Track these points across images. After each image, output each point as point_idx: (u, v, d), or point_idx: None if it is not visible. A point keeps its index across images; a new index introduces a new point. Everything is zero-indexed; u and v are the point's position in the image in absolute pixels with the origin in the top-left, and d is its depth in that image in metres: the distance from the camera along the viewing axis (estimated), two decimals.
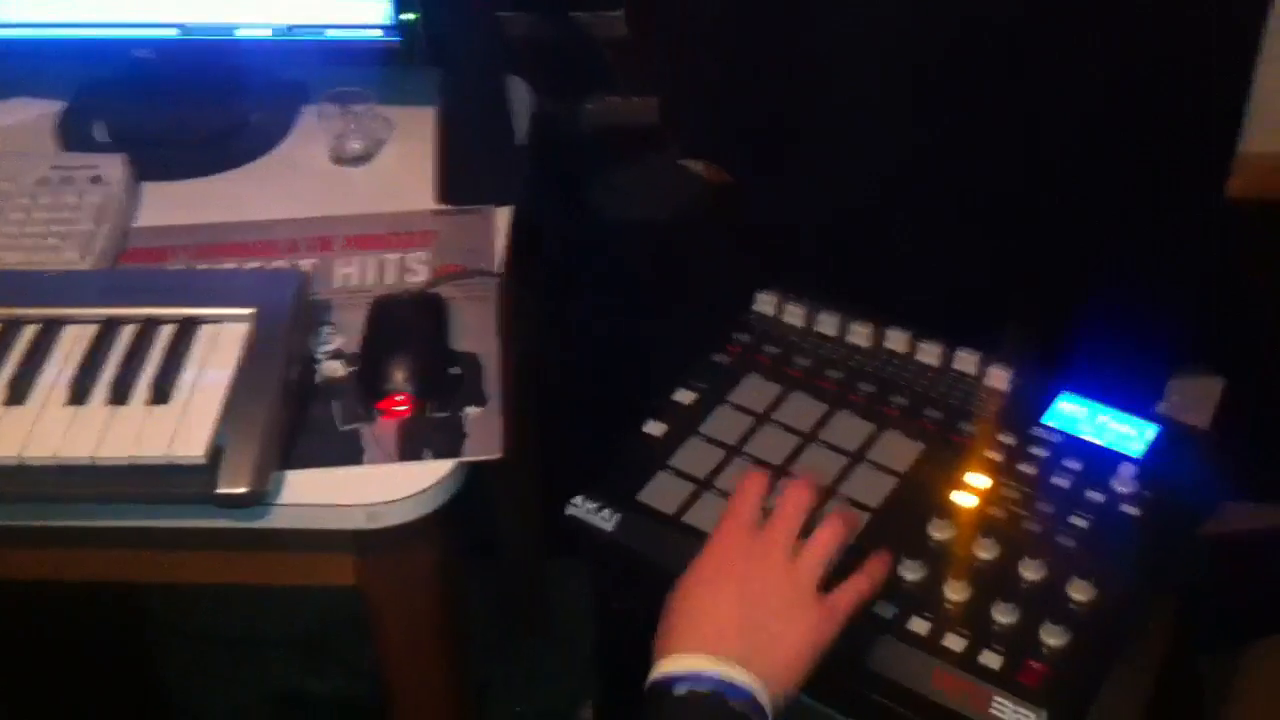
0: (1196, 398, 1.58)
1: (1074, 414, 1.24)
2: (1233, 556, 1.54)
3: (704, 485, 1.21)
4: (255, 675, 1.96)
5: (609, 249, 1.75)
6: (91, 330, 1.23)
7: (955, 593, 1.09)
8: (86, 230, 1.35)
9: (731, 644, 0.97)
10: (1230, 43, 1.38)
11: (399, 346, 1.25)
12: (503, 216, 1.41)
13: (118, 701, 1.89)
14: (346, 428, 1.21)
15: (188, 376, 1.18)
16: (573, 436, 1.54)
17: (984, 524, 1.14)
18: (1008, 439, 1.22)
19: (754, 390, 1.29)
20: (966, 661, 1.05)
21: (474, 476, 1.20)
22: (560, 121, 1.66)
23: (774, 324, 1.36)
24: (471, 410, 1.22)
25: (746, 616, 0.98)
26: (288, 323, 1.23)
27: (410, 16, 1.42)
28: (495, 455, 1.19)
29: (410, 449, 1.19)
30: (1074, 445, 1.21)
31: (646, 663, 0.99)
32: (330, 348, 1.28)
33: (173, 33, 1.46)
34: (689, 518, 1.18)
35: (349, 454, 1.18)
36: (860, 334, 1.33)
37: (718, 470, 1.22)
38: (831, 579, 1.03)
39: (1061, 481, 1.18)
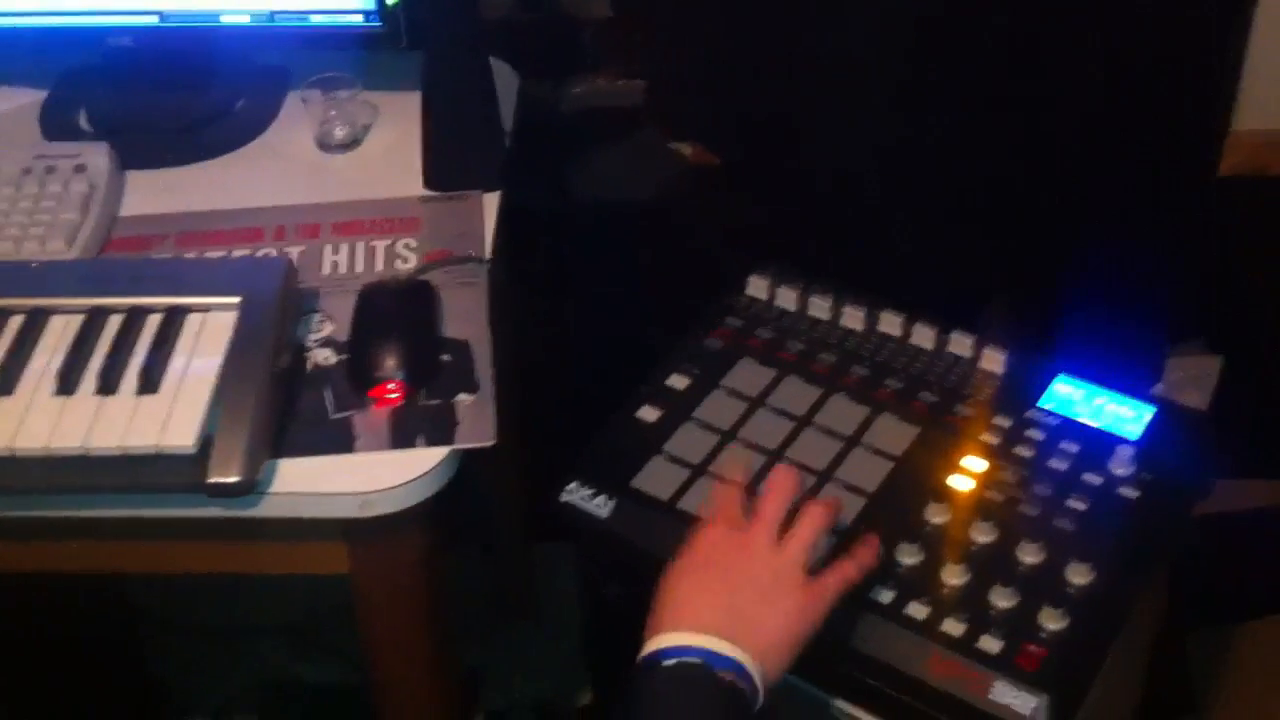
0: (1195, 375, 1.58)
1: (1070, 396, 1.24)
2: (1221, 534, 1.54)
3: (698, 471, 1.20)
4: (246, 663, 1.96)
5: (594, 231, 1.75)
6: (78, 320, 1.21)
7: (953, 577, 1.09)
8: (71, 220, 1.33)
9: (720, 624, 0.97)
10: (1224, 19, 1.38)
11: (389, 334, 1.24)
12: (491, 202, 1.40)
13: (109, 691, 1.88)
14: (338, 416, 1.20)
15: (176, 366, 1.17)
16: (559, 421, 1.54)
17: (981, 507, 1.14)
18: (1004, 422, 1.22)
19: (748, 374, 1.28)
20: (965, 646, 1.05)
21: (463, 463, 1.19)
22: (543, 104, 1.65)
23: (766, 307, 1.35)
24: (463, 397, 1.21)
25: (733, 601, 0.99)
26: (275, 311, 1.21)
27: (392, 1, 1.40)
28: (488, 442, 1.18)
29: (402, 437, 1.18)
30: (1070, 428, 1.21)
31: (637, 648, 0.99)
32: (320, 335, 1.27)
33: (152, 20, 1.45)
34: (683, 503, 1.18)
35: (340, 442, 1.17)
36: (854, 317, 1.32)
37: (712, 456, 1.21)
38: (823, 564, 1.03)
39: (1058, 464, 1.18)
